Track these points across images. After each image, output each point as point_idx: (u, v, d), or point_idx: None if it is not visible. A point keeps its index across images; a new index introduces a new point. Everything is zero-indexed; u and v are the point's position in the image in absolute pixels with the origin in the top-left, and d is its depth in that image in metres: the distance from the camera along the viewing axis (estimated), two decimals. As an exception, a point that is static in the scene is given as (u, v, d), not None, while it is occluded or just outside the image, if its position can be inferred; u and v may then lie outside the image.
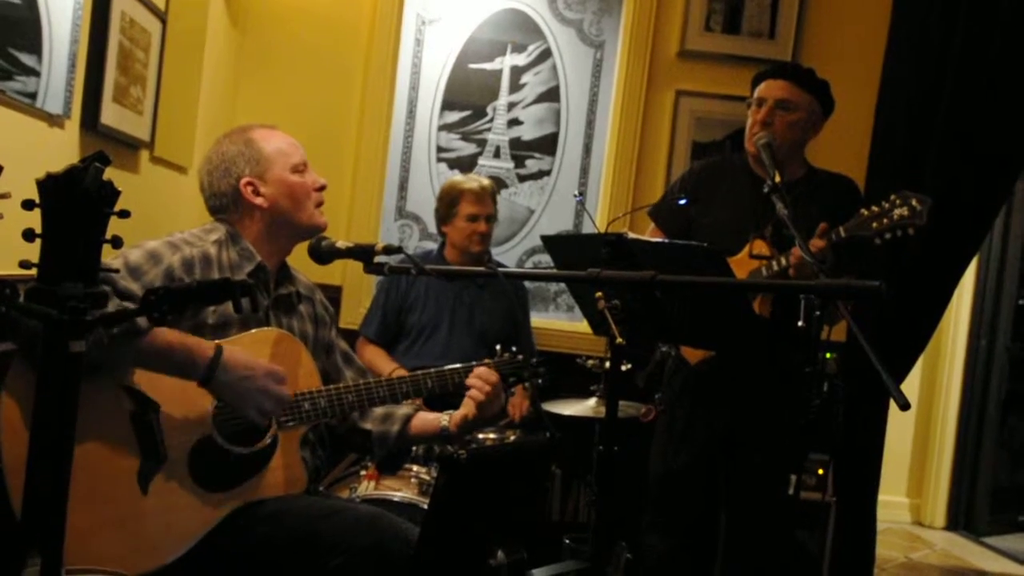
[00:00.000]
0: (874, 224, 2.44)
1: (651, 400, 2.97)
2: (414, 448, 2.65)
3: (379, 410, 2.21)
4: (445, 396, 2.26)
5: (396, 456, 2.22)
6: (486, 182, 3.41)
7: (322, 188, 2.13)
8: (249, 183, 2.05)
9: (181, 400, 1.85)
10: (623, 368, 1.85)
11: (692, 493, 2.83)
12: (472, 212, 3.35)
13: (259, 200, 2.06)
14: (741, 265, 2.63)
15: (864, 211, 2.47)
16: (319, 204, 2.12)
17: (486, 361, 2.24)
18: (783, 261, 2.53)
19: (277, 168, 2.07)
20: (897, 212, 2.41)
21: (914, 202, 2.40)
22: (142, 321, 1.71)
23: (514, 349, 2.33)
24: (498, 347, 2.33)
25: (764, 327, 2.37)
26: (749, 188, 2.72)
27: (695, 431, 2.80)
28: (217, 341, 1.91)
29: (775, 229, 2.60)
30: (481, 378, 2.16)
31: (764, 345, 2.36)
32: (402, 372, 3.24)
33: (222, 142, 2.11)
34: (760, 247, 2.63)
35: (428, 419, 2.22)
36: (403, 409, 2.23)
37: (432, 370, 2.19)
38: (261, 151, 2.07)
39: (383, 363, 3.33)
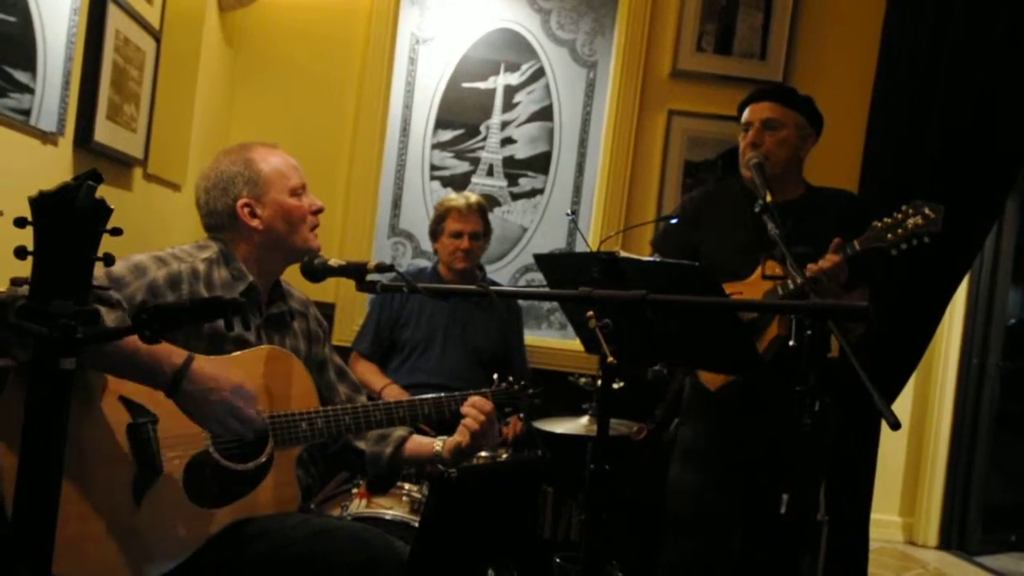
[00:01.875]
0: (889, 235, 2.45)
1: (649, 416, 2.97)
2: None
3: (375, 430, 2.21)
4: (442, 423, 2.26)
5: (387, 477, 2.22)
6: (474, 199, 3.42)
7: (319, 211, 2.13)
8: (246, 204, 2.05)
9: (179, 413, 1.83)
10: (615, 386, 1.85)
11: (715, 513, 2.83)
12: (456, 229, 3.36)
13: (255, 222, 2.05)
14: (755, 287, 2.63)
15: (877, 223, 2.49)
16: (314, 227, 2.12)
17: (483, 390, 2.24)
18: (798, 279, 2.53)
19: (275, 191, 2.06)
20: (912, 221, 2.43)
21: (927, 210, 2.42)
22: (109, 322, 1.69)
23: (511, 379, 2.32)
24: (495, 376, 2.33)
25: (754, 348, 2.37)
26: (748, 210, 2.74)
27: (718, 455, 2.80)
28: (212, 357, 1.91)
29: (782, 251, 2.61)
30: (476, 407, 2.14)
31: (760, 366, 2.37)
32: (394, 388, 3.25)
33: (221, 159, 2.10)
34: (773, 267, 2.63)
35: (423, 443, 2.21)
36: (399, 431, 2.22)
37: (429, 396, 2.19)
38: (260, 172, 2.06)
39: (375, 379, 3.33)
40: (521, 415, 2.36)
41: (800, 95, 2.81)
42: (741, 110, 2.84)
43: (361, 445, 2.21)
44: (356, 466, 2.26)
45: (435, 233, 3.45)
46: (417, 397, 2.20)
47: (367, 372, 3.37)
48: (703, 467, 2.82)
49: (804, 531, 2.74)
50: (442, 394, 2.21)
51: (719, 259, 2.73)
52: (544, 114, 3.97)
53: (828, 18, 3.91)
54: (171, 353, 1.79)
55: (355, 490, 2.58)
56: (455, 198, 3.43)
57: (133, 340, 1.72)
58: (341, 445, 2.21)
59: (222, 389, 1.81)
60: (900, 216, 2.46)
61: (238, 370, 1.93)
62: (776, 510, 2.73)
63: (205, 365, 1.82)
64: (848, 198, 2.85)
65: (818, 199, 2.80)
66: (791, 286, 2.56)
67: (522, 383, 2.34)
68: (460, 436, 2.14)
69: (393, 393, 3.21)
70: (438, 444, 2.18)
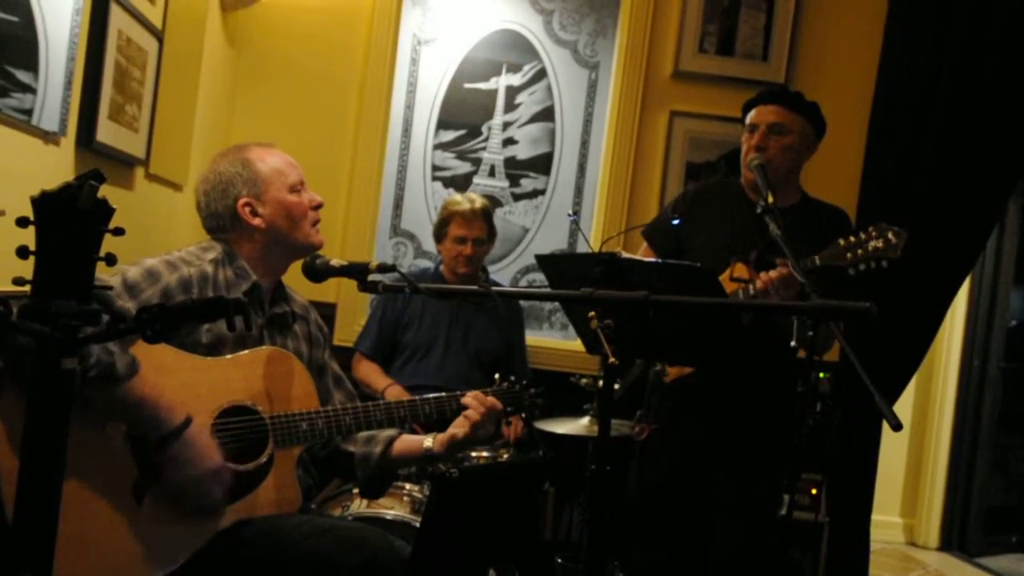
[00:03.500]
0: (848, 255, 2.44)
1: (630, 414, 2.98)
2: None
3: (363, 432, 2.19)
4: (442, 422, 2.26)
5: (379, 479, 2.21)
6: (479, 204, 3.38)
7: (319, 206, 2.14)
8: (247, 204, 2.05)
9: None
10: (616, 387, 1.86)
11: (672, 506, 2.84)
12: (459, 235, 3.34)
13: (256, 221, 2.06)
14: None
15: (841, 241, 2.48)
16: (315, 223, 2.13)
17: (484, 390, 2.24)
18: (758, 284, 2.54)
19: (274, 189, 2.07)
20: (872, 244, 2.41)
21: (890, 235, 2.41)
22: (121, 368, 1.71)
23: (513, 378, 2.32)
24: (497, 376, 2.33)
25: (754, 346, 2.37)
26: (743, 210, 2.74)
27: (673, 445, 2.81)
28: (212, 358, 1.91)
29: (760, 254, 2.61)
30: (477, 399, 2.15)
31: (754, 363, 2.37)
32: (396, 388, 3.25)
33: (219, 161, 2.10)
34: (740, 271, 2.64)
35: (412, 441, 2.19)
36: (387, 431, 2.20)
37: (431, 396, 2.19)
38: (258, 171, 2.07)
39: (378, 379, 3.33)
40: (523, 415, 2.36)
41: (808, 101, 2.79)
42: (747, 110, 2.82)
43: (350, 448, 2.19)
44: (345, 470, 2.23)
45: (439, 236, 3.43)
46: (418, 397, 2.20)
47: (370, 373, 3.37)
48: (661, 467, 2.84)
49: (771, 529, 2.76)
50: (443, 394, 2.21)
51: (702, 254, 2.72)
52: (546, 115, 3.97)
53: (830, 20, 3.92)
54: (173, 409, 1.81)
55: (356, 490, 2.58)
56: (460, 201, 3.39)
57: (140, 389, 1.75)
58: (330, 449, 2.20)
59: (205, 461, 1.83)
60: (863, 237, 2.45)
61: (239, 375, 1.93)
62: (768, 510, 2.76)
63: (202, 435, 1.84)
64: (839, 216, 2.84)
65: (812, 209, 2.80)
66: (752, 290, 2.56)
67: (524, 382, 2.34)
68: (458, 427, 2.14)
69: (395, 393, 3.21)
70: (428, 441, 2.17)
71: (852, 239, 2.46)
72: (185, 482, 1.82)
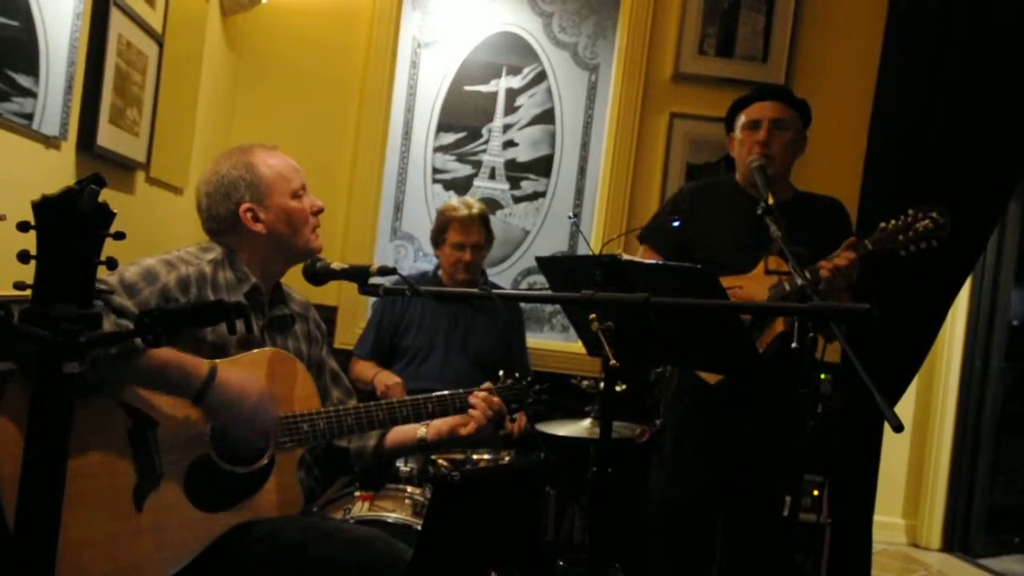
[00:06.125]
0: (900, 237, 2.49)
1: (651, 419, 2.97)
2: (409, 468, 2.64)
3: None
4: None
5: (377, 470, 2.23)
6: (476, 210, 3.37)
7: (319, 211, 2.14)
8: (249, 209, 2.05)
9: (179, 418, 1.85)
10: (617, 389, 1.85)
11: (699, 519, 2.83)
12: (458, 241, 3.34)
13: (258, 226, 2.06)
14: (757, 281, 2.64)
15: (885, 224, 2.52)
16: (315, 228, 2.13)
17: (487, 386, 2.24)
18: (807, 276, 2.52)
19: (277, 194, 2.07)
20: (921, 224, 2.46)
21: (935, 214, 2.48)
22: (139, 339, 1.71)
23: (517, 375, 2.33)
24: (501, 373, 2.33)
25: (756, 349, 2.37)
26: (744, 209, 2.74)
27: (705, 456, 2.80)
28: (214, 360, 1.91)
29: (780, 249, 2.62)
30: (485, 401, 2.18)
31: (760, 366, 2.37)
32: (384, 374, 3.26)
33: (222, 163, 2.09)
34: (776, 263, 2.64)
35: (405, 431, 2.22)
36: None
37: (434, 395, 2.19)
38: (262, 176, 2.06)
39: (367, 370, 3.34)
40: (528, 412, 2.38)
41: (798, 97, 2.83)
42: (740, 107, 2.82)
43: (344, 443, 2.21)
44: (342, 465, 2.26)
45: (437, 242, 3.43)
46: (420, 396, 2.20)
47: (364, 368, 3.36)
48: (693, 478, 2.82)
49: (784, 530, 2.75)
50: (446, 392, 2.21)
51: (716, 254, 2.73)
52: (546, 117, 3.98)
53: (830, 20, 3.91)
54: (198, 364, 1.83)
55: (358, 493, 2.58)
56: (457, 207, 3.39)
57: (160, 353, 1.77)
58: (324, 448, 2.21)
59: (250, 395, 1.87)
60: (909, 219, 2.48)
61: (247, 373, 1.93)
62: (765, 510, 2.75)
63: (231, 373, 1.86)
64: (835, 205, 2.86)
65: (808, 202, 2.82)
66: (798, 282, 2.56)
67: (528, 379, 2.34)
68: (461, 425, 2.16)
69: (383, 379, 3.21)
70: (421, 430, 2.20)
71: (895, 222, 2.51)
72: (237, 424, 1.86)
